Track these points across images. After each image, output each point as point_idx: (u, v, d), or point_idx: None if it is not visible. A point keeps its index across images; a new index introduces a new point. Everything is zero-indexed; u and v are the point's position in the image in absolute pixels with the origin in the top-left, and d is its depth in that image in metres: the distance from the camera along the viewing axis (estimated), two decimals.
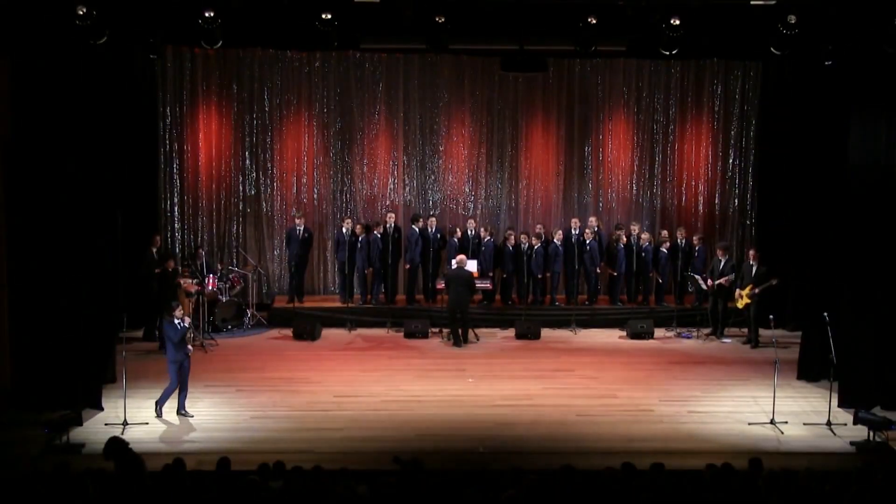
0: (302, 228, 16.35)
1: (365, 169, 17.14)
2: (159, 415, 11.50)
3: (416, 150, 17.19)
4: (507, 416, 11.83)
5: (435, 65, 16.92)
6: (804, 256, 14.51)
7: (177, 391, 11.60)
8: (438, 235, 16.37)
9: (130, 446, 8.60)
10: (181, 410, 11.61)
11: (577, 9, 11.61)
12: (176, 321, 11.48)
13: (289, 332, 15.57)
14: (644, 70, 17.03)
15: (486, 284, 16.11)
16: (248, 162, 17.00)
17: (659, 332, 15.69)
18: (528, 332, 15.40)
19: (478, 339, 15.24)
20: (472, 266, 15.33)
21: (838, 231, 12.51)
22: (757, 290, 14.75)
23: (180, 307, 11.75)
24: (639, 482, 7.73)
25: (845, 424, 11.44)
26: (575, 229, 16.36)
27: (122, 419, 11.24)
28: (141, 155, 15.41)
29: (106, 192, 12.18)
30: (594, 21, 11.43)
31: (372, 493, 7.75)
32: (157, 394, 11.70)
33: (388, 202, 17.15)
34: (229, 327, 15.78)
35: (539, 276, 16.26)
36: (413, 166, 17.22)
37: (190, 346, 11.89)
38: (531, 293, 16.35)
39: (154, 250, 14.99)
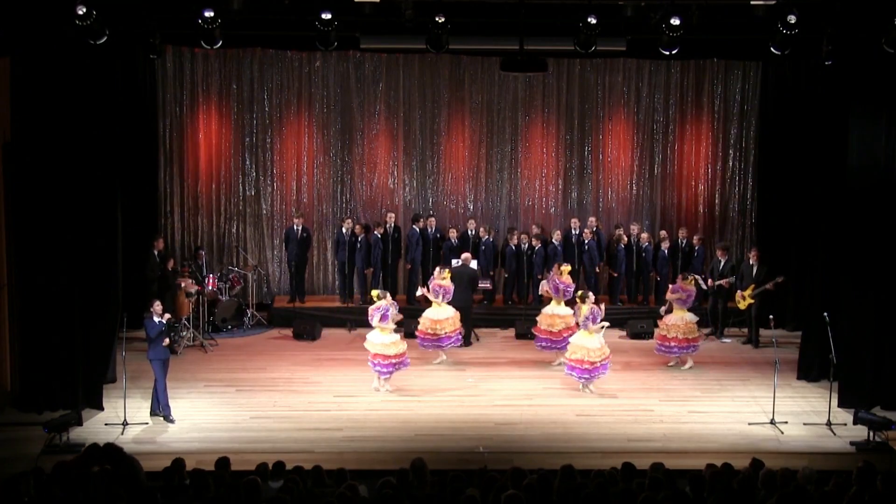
0: (300, 228, 16.34)
1: (365, 169, 17.14)
2: (168, 416, 11.48)
3: (416, 150, 17.18)
4: (507, 416, 11.84)
5: (435, 65, 16.91)
6: (804, 256, 14.52)
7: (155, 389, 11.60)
8: (438, 235, 16.39)
9: (124, 450, 8.62)
10: (155, 410, 11.57)
11: (577, 9, 11.59)
12: (155, 318, 11.44)
13: (289, 332, 15.58)
14: (644, 70, 17.01)
15: (487, 284, 16.12)
16: (248, 162, 16.99)
17: None
18: (528, 332, 15.37)
19: (478, 339, 15.24)
20: (473, 266, 15.31)
21: (838, 231, 12.52)
22: (770, 286, 14.73)
23: (157, 303, 11.71)
24: (639, 482, 7.73)
25: (845, 424, 11.45)
26: (575, 229, 16.37)
27: (122, 419, 11.25)
28: (141, 155, 15.40)
29: (106, 192, 12.17)
30: (594, 21, 11.42)
31: (372, 493, 7.76)
32: None
33: (388, 202, 17.15)
34: (229, 327, 15.78)
35: (539, 277, 16.25)
36: (413, 166, 17.22)
37: (176, 350, 11.85)
38: (531, 293, 16.37)
39: (156, 253, 15.00)
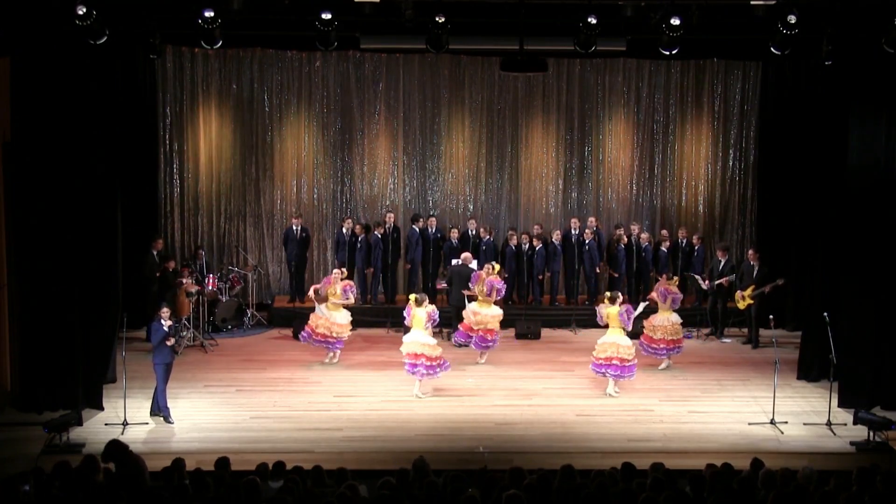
0: (299, 228, 16.35)
1: (365, 169, 17.14)
2: (168, 417, 11.48)
3: (416, 150, 17.19)
4: (507, 416, 11.84)
5: (435, 65, 16.92)
6: (804, 256, 14.52)
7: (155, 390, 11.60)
8: (439, 235, 16.39)
9: (130, 448, 8.61)
10: (154, 411, 11.57)
11: (577, 9, 11.60)
12: (163, 322, 11.45)
13: (289, 332, 15.57)
14: (644, 70, 17.02)
15: None
16: (247, 162, 17.00)
17: None
18: (528, 332, 15.40)
19: None
20: (473, 266, 15.31)
21: (838, 231, 12.52)
22: (767, 289, 14.76)
23: (166, 308, 11.73)
24: (639, 482, 7.72)
25: (845, 424, 11.45)
26: (575, 229, 16.37)
27: (122, 419, 11.26)
28: (141, 155, 15.40)
29: (106, 192, 12.17)
30: (594, 21, 11.42)
31: (372, 493, 7.76)
32: None
33: (388, 202, 17.15)
34: (229, 327, 15.78)
35: (539, 277, 16.27)
36: (413, 166, 17.22)
37: (177, 350, 11.84)
38: (531, 293, 16.37)
39: (155, 253, 15.01)
